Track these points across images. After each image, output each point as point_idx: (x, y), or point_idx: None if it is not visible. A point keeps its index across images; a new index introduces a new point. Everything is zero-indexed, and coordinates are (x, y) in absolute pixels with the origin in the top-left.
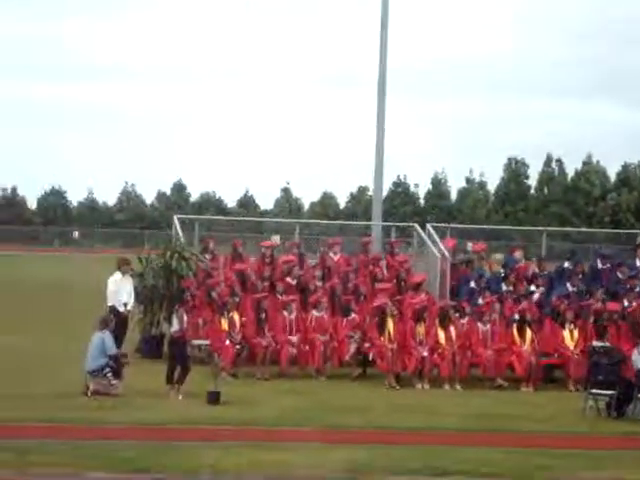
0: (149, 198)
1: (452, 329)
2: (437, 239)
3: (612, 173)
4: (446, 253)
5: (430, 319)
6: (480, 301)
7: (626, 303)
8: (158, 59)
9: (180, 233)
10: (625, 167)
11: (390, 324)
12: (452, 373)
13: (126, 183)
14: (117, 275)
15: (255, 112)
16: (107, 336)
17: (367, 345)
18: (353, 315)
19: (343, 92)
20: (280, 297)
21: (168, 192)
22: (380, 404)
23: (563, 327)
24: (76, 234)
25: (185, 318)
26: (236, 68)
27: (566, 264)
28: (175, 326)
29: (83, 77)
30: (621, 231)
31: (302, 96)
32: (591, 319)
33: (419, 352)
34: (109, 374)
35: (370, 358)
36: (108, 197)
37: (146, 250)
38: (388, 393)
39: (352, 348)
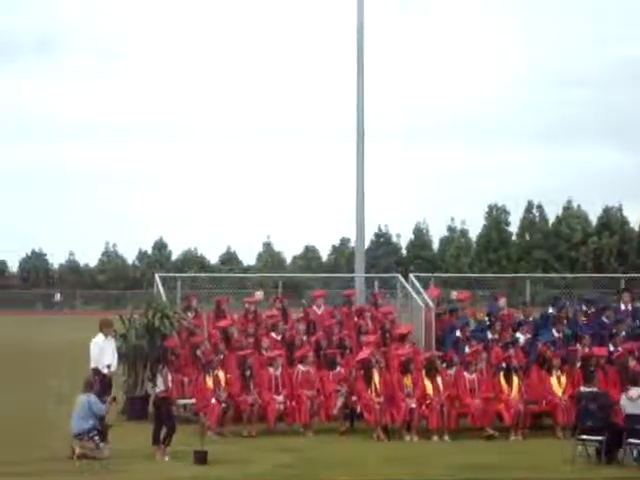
0: (130, 257)
1: (439, 380)
2: (421, 289)
3: (594, 217)
4: (430, 303)
5: (416, 370)
6: (466, 350)
7: (612, 347)
8: (132, 116)
9: (162, 291)
10: (606, 211)
11: (376, 376)
12: (441, 424)
13: (107, 243)
14: (99, 337)
15: (234, 167)
16: (93, 398)
17: (354, 398)
18: (339, 369)
19: (322, 144)
20: (265, 353)
21: (149, 251)
22: (369, 457)
23: (550, 373)
24: (58, 296)
25: (170, 377)
26: (214, 124)
27: (550, 310)
28: (160, 386)
29: (55, 137)
30: (604, 275)
31: (281, 150)
32: (578, 364)
33: (407, 404)
34: (96, 437)
35: (358, 411)
36: (90, 258)
37: (129, 311)
38: (377, 446)
39: (339, 402)
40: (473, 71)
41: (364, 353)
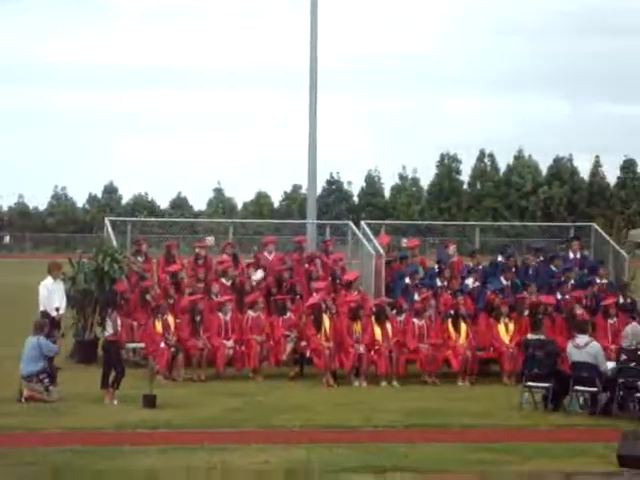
0: (80, 201)
1: (388, 326)
2: (372, 236)
3: (544, 167)
4: (380, 250)
5: (365, 316)
6: (415, 297)
7: (559, 296)
8: (86, 58)
9: (112, 236)
10: (556, 161)
11: (326, 322)
12: (389, 370)
13: (56, 187)
14: (49, 280)
15: (186, 112)
16: (42, 340)
17: (303, 344)
18: (289, 314)
19: (275, 90)
20: (215, 298)
21: (99, 195)
22: (318, 403)
23: (498, 321)
24: (7, 239)
25: (119, 321)
26: (166, 67)
27: (499, 258)
28: (109, 330)
29: (8, 79)
30: (553, 224)
31: (233, 95)
32: (526, 312)
33: (356, 349)
34: (45, 379)
35: (307, 357)
36: (39, 201)
37: (78, 255)
38: (326, 391)
39: (289, 347)
40: (425, 21)
41: (314, 299)
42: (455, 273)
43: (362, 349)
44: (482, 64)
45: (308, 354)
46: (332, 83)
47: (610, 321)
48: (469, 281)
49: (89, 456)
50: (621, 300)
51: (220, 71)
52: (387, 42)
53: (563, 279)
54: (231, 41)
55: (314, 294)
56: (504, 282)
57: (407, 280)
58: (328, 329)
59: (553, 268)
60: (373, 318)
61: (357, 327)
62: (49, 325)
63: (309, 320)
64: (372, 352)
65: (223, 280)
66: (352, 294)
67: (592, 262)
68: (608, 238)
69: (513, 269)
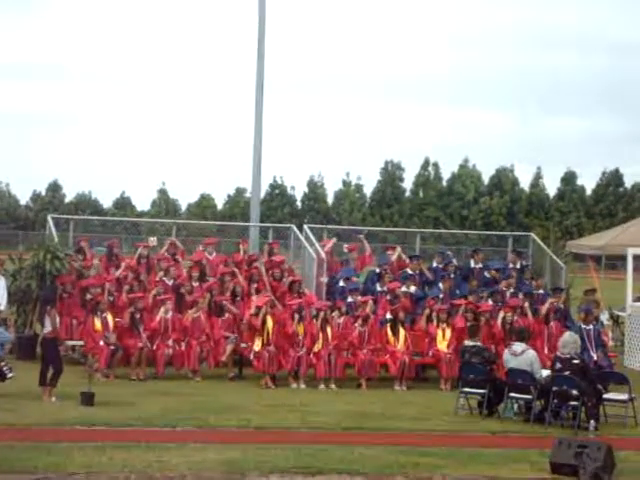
0: (24, 198)
1: (328, 329)
2: (314, 240)
3: (486, 177)
4: (322, 254)
5: (307, 319)
6: (349, 299)
7: (490, 302)
8: (29, 56)
9: (54, 233)
10: (499, 171)
11: (270, 324)
12: (328, 373)
13: (0, 183)
14: None
15: (132, 112)
16: None
17: (243, 345)
18: (227, 315)
19: (221, 93)
20: (155, 297)
21: (43, 192)
22: (255, 404)
23: (436, 326)
24: None
25: (58, 319)
26: (112, 67)
27: (434, 264)
28: (47, 327)
29: None
30: (493, 233)
31: (179, 96)
32: (460, 317)
33: (296, 352)
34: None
35: (246, 358)
36: None
37: (19, 252)
38: (263, 393)
39: (228, 349)
40: (375, 26)
41: (259, 301)
42: (394, 278)
43: (302, 352)
44: (430, 73)
45: (251, 356)
46: (279, 84)
47: (547, 328)
48: (407, 287)
49: (26, 452)
50: (555, 304)
51: (166, 72)
52: (334, 48)
53: (501, 287)
54: (177, 39)
55: (253, 297)
56: (442, 288)
57: (341, 283)
58: (271, 331)
59: (487, 275)
60: (314, 321)
61: (300, 329)
62: None
63: (252, 322)
64: (311, 355)
65: (165, 279)
66: (294, 297)
67: (530, 270)
68: (546, 248)
69: (451, 275)
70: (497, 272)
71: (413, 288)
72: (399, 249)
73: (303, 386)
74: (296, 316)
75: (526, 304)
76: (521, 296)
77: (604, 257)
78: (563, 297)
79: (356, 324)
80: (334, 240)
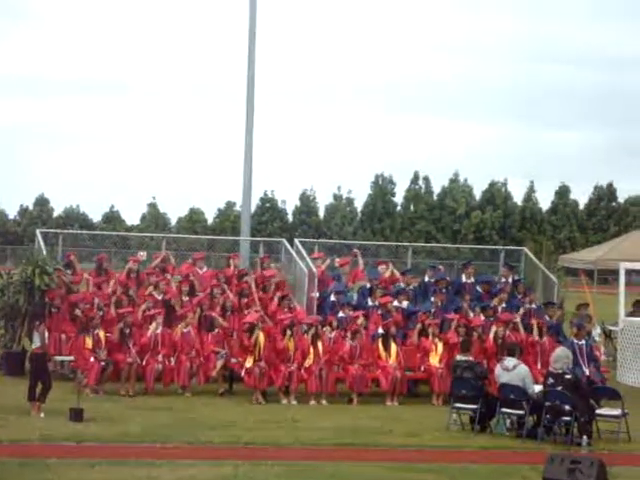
0: (12, 213)
1: (319, 344)
2: (305, 254)
3: (479, 191)
4: (313, 268)
5: (298, 334)
6: (340, 314)
7: (482, 317)
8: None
9: (43, 248)
10: (491, 185)
11: (261, 340)
12: (319, 388)
13: None
14: None
15: (120, 126)
16: None
17: (234, 361)
18: (217, 330)
19: (211, 106)
20: (145, 312)
21: (31, 207)
22: (245, 420)
23: (431, 341)
24: None
25: (46, 334)
26: (99, 80)
27: (426, 278)
28: (36, 342)
29: None
30: (485, 247)
31: (168, 109)
32: (452, 332)
33: (287, 368)
34: None
35: (237, 374)
36: None
37: (7, 267)
38: (254, 409)
39: (218, 364)
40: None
41: (251, 316)
42: (386, 293)
43: (294, 367)
44: (421, 86)
45: (243, 373)
46: (269, 98)
47: (539, 343)
48: (399, 301)
49: (15, 468)
50: (547, 319)
51: (156, 85)
52: (325, 62)
53: (493, 302)
54: (166, 50)
55: (245, 311)
56: (434, 302)
57: (332, 297)
58: (262, 347)
59: (479, 289)
60: (306, 336)
61: (291, 345)
62: None
63: (243, 337)
64: (302, 370)
65: (154, 294)
66: (286, 312)
67: (521, 284)
68: (538, 263)
69: (443, 290)
70: (487, 285)
71: (405, 303)
72: (391, 266)
73: (294, 402)
74: (288, 332)
75: (518, 319)
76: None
77: (596, 271)
78: (558, 312)
79: (346, 338)
80: (328, 262)
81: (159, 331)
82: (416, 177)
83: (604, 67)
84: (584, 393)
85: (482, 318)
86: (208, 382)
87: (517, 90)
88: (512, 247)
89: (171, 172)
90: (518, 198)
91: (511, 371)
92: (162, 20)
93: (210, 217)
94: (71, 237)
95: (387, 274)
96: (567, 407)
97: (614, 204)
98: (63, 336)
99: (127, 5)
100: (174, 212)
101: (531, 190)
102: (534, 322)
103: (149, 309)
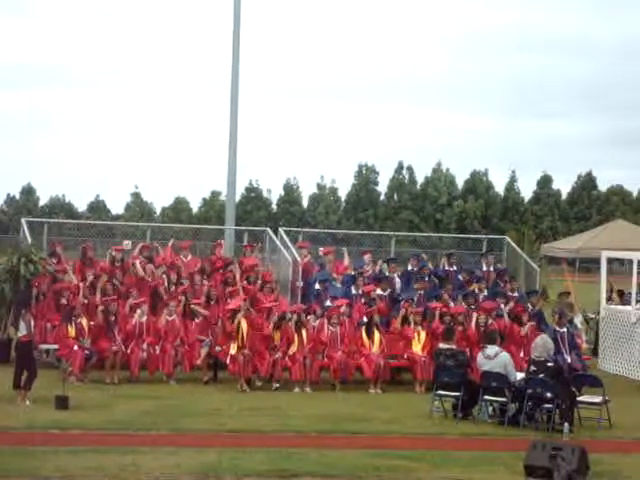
0: None
1: (304, 332)
2: (289, 244)
3: (461, 181)
4: (298, 257)
5: (285, 322)
6: (327, 303)
7: (465, 306)
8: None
9: (28, 237)
10: (473, 175)
11: (244, 327)
12: (303, 376)
13: None
14: None
15: (105, 115)
16: None
17: (218, 349)
18: (200, 318)
19: (196, 96)
20: (130, 301)
21: (17, 196)
22: (230, 407)
23: (410, 329)
24: None
25: (32, 322)
26: (85, 70)
27: (409, 267)
28: (22, 330)
29: None
30: (468, 236)
31: (153, 99)
32: (436, 318)
33: (271, 355)
34: None
35: (221, 361)
36: None
37: None
38: (239, 396)
39: (203, 352)
40: (349, 30)
41: (234, 303)
42: (369, 281)
43: (278, 355)
44: (403, 76)
45: (227, 360)
46: (254, 87)
47: (522, 331)
48: (382, 290)
49: (0, 456)
50: (530, 308)
51: (141, 75)
52: (308, 52)
53: (474, 290)
54: (153, 43)
55: (229, 300)
56: (416, 291)
57: (317, 286)
58: (245, 334)
59: (460, 278)
60: (290, 324)
61: (276, 335)
62: None
63: (227, 325)
64: (287, 358)
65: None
66: (269, 299)
67: (506, 273)
68: (520, 251)
69: (426, 278)
70: (468, 274)
71: (388, 291)
72: (380, 262)
73: (278, 389)
74: (273, 318)
75: (502, 306)
76: (501, 299)
77: (578, 260)
78: (541, 301)
79: (329, 326)
80: (309, 257)
81: (144, 319)
82: (401, 167)
83: (585, 56)
84: (566, 380)
85: (464, 306)
86: (193, 370)
87: (499, 81)
88: (494, 236)
89: (156, 161)
90: (500, 188)
91: (493, 359)
92: (146, 9)
93: (195, 206)
94: (56, 226)
95: (377, 268)
96: (549, 394)
97: (595, 192)
98: (48, 324)
99: None
100: (159, 201)
101: (513, 179)
102: (519, 310)
103: (135, 298)
